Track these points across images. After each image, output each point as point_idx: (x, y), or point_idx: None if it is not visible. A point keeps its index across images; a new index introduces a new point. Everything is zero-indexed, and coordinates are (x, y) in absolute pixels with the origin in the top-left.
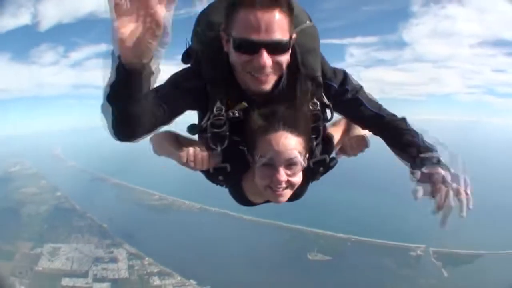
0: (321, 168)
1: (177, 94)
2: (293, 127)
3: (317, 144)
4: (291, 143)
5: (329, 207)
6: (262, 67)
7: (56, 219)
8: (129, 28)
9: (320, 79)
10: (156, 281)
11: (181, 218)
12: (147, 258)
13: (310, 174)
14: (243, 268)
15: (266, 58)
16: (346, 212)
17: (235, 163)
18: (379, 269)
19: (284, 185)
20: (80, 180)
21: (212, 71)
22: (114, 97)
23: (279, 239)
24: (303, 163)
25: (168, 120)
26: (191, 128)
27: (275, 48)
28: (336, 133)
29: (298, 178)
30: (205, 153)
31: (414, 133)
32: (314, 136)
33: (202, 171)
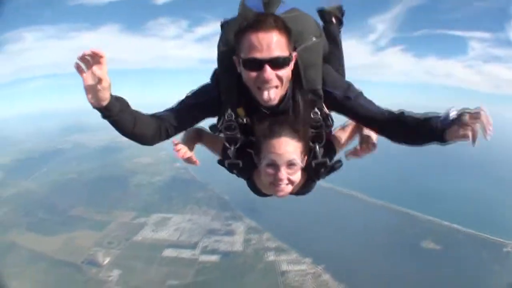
0: (323, 169)
1: (196, 106)
2: (293, 134)
3: (320, 148)
4: (290, 147)
5: (452, 197)
6: (267, 80)
7: (171, 190)
8: (88, 82)
9: (320, 91)
10: (271, 256)
11: (309, 196)
12: (266, 233)
13: (314, 173)
14: (358, 250)
15: (270, 73)
16: (466, 203)
17: (247, 161)
18: (480, 262)
19: (285, 182)
20: (203, 151)
21: (225, 81)
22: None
23: (398, 223)
24: (301, 164)
25: (190, 125)
26: (211, 128)
27: (276, 63)
28: (343, 135)
29: (297, 177)
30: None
31: (419, 115)
32: (317, 141)
33: (223, 165)
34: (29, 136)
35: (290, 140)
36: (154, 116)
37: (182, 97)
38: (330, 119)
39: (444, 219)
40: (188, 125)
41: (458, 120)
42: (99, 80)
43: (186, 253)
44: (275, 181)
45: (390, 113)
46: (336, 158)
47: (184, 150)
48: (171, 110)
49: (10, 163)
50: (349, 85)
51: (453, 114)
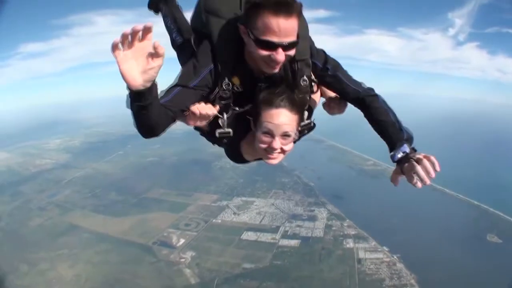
0: (306, 131)
1: (195, 93)
2: (292, 107)
3: (304, 111)
4: (288, 120)
5: None
6: (279, 62)
7: (256, 175)
8: (129, 64)
9: (309, 60)
10: (350, 243)
11: (390, 186)
12: (347, 220)
13: (298, 135)
14: (432, 241)
15: (282, 55)
16: None
17: (237, 129)
18: None
19: (277, 151)
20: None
21: (224, 52)
22: (130, 108)
23: (468, 215)
24: (295, 136)
25: (193, 104)
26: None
27: (290, 47)
28: (316, 97)
29: (289, 147)
30: (207, 105)
31: (386, 111)
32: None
33: (209, 137)
34: (103, 119)
35: (288, 113)
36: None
37: (176, 79)
38: (316, 85)
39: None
40: (190, 105)
41: (400, 164)
42: (151, 56)
43: (266, 237)
44: (269, 149)
45: (364, 92)
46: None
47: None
48: (173, 95)
49: (80, 145)
50: (328, 58)
51: (399, 155)
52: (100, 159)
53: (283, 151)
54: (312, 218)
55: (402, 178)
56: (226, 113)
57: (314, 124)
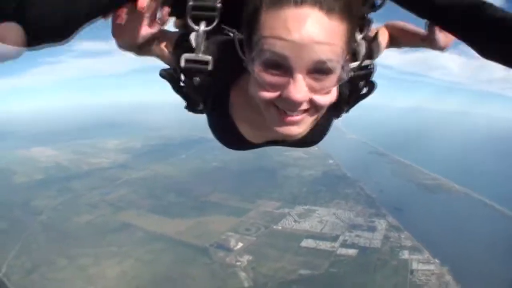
0: (362, 83)
1: None
2: (331, 2)
3: (361, 40)
4: (324, 32)
5: None
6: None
7: (320, 184)
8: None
9: None
10: (405, 255)
11: (448, 200)
12: (405, 232)
13: (350, 94)
14: (479, 254)
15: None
16: None
17: (222, 60)
18: None
19: (303, 106)
20: (357, 152)
21: None
22: None
23: None
24: (342, 74)
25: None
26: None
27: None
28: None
29: (327, 98)
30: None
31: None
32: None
33: (169, 77)
34: (166, 123)
35: (323, 17)
36: None
37: None
38: None
39: None
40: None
41: None
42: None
43: (325, 245)
44: (282, 102)
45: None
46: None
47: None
48: None
49: (140, 147)
50: None
51: None
52: (161, 162)
53: (313, 106)
54: (372, 229)
55: None
56: (207, 22)
57: (374, 82)
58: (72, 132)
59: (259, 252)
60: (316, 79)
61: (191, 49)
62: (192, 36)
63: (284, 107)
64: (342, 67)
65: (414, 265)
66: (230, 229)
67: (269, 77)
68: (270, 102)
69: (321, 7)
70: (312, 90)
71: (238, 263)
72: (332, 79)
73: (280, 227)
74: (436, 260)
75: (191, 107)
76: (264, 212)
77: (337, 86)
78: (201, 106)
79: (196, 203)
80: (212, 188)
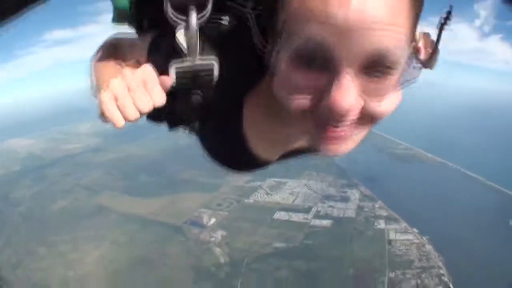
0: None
1: None
2: None
3: None
4: (386, 8)
5: None
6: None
7: None
8: None
9: None
10: (381, 224)
11: (421, 169)
12: (379, 202)
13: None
14: (461, 225)
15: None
16: None
17: (231, 70)
18: None
19: (352, 116)
20: None
21: None
22: None
23: (495, 201)
24: (408, 70)
25: None
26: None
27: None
28: None
29: (388, 105)
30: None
31: None
32: None
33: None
34: None
35: None
36: None
37: None
38: None
39: None
40: None
41: None
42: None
43: (298, 217)
44: (323, 112)
45: None
46: None
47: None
48: None
49: (112, 129)
50: None
51: None
52: (132, 142)
53: (367, 115)
54: (345, 199)
55: None
56: (198, 10)
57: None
58: (45, 121)
59: (232, 227)
60: (372, 79)
61: (178, 55)
62: (180, 35)
63: (327, 118)
64: (407, 62)
65: (392, 235)
66: (203, 206)
67: (303, 77)
68: (307, 112)
69: None
70: (367, 93)
71: (213, 239)
72: (395, 77)
73: (252, 201)
74: (415, 230)
75: (177, 126)
76: (235, 187)
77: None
78: (195, 127)
79: (168, 182)
80: (183, 165)
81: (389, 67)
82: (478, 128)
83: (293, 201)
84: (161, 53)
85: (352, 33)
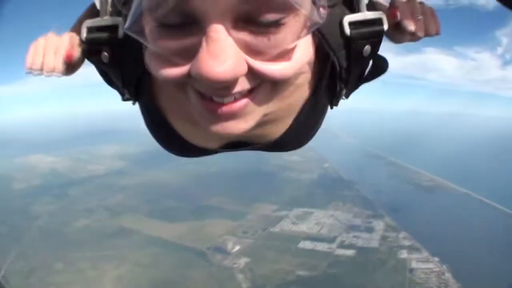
0: (366, 47)
1: None
2: None
3: None
4: None
5: None
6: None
7: (317, 187)
8: None
9: None
10: (404, 254)
11: (444, 199)
12: (402, 232)
13: (341, 62)
14: (478, 252)
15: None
16: None
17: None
18: None
19: (240, 84)
20: (353, 155)
21: None
22: None
23: None
24: (312, 15)
25: None
26: None
27: None
28: None
29: (284, 65)
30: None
31: None
32: None
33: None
34: None
35: None
36: None
37: None
38: None
39: None
40: None
41: None
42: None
43: (322, 246)
44: (200, 82)
45: None
46: None
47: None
48: None
49: (138, 153)
50: None
51: None
52: (159, 168)
53: (260, 79)
54: (369, 229)
55: None
56: None
57: (383, 58)
58: (69, 139)
59: (257, 254)
60: (254, 31)
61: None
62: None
63: (206, 90)
64: (314, 2)
65: (413, 264)
66: (228, 232)
67: (168, 41)
68: (184, 85)
69: None
70: (251, 51)
71: (236, 265)
72: (288, 27)
73: (277, 229)
74: (435, 259)
75: (121, 95)
76: (261, 215)
77: (308, 43)
78: (126, 94)
79: (194, 207)
80: (210, 192)
81: (273, 16)
82: (502, 158)
83: (319, 231)
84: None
85: None
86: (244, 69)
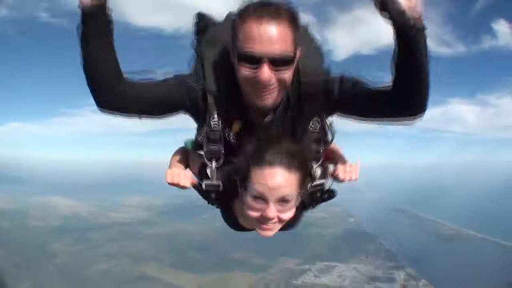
0: (318, 194)
1: (177, 86)
2: (290, 163)
3: (317, 168)
4: (285, 181)
5: None
6: (264, 81)
7: (341, 241)
8: None
9: (320, 85)
10: None
11: (465, 247)
12: (423, 280)
13: (308, 200)
14: None
15: (268, 72)
16: None
17: (229, 183)
18: None
19: (274, 220)
20: (377, 210)
21: (215, 82)
22: (79, 38)
23: None
24: (296, 201)
25: (158, 111)
26: (193, 144)
27: (279, 61)
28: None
29: (289, 215)
30: (182, 171)
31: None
32: (314, 158)
33: (197, 189)
34: None
35: (285, 173)
36: (123, 73)
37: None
38: (331, 132)
39: None
40: (152, 108)
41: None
42: None
43: None
44: (262, 219)
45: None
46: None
47: (176, 173)
48: (147, 81)
49: (163, 205)
50: (346, 78)
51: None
52: (184, 220)
53: (280, 220)
54: (390, 280)
55: None
56: (216, 161)
57: (333, 190)
58: (92, 186)
59: None
60: (281, 205)
61: (208, 176)
62: (208, 169)
63: (263, 221)
64: (298, 196)
65: None
66: (250, 285)
67: (255, 204)
68: (255, 217)
69: (286, 167)
70: (279, 210)
71: None
72: (290, 205)
73: (300, 282)
74: None
75: (207, 200)
76: (284, 269)
77: (296, 206)
78: (215, 205)
79: (218, 260)
80: (235, 246)
81: (288, 201)
82: None
83: (341, 283)
84: (203, 172)
85: (273, 190)
86: (277, 216)
